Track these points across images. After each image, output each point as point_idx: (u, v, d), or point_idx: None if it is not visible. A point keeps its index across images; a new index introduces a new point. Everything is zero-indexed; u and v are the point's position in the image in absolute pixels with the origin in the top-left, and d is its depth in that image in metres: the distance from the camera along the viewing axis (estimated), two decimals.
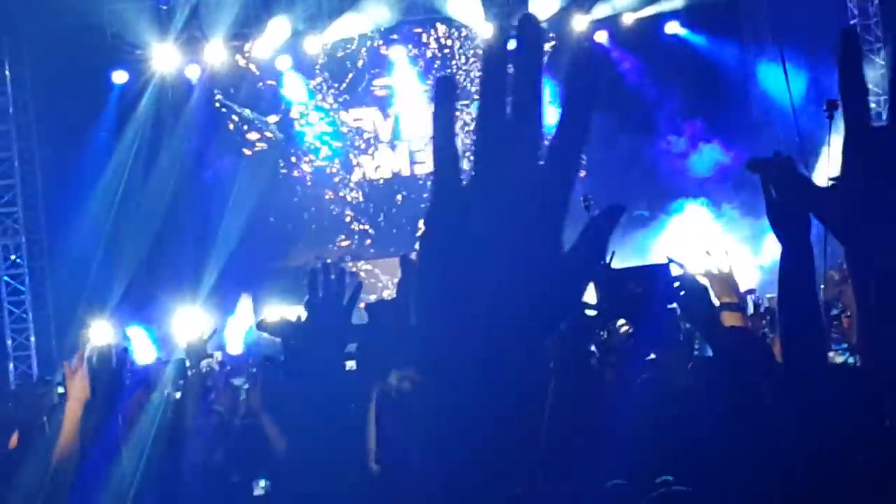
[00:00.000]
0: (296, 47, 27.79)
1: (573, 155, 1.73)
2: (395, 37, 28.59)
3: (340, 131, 28.91)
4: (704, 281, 6.75)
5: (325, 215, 28.67)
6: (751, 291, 13.15)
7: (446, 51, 28.95)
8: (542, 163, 1.72)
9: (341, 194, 28.83)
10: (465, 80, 28.70)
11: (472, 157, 1.76)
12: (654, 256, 24.66)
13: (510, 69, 1.76)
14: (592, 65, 1.77)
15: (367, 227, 28.76)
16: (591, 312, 8.73)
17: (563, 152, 1.74)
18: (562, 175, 1.73)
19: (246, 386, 13.44)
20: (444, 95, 1.82)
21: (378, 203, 28.78)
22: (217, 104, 28.30)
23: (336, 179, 28.85)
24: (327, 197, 28.76)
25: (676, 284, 6.81)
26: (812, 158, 22.71)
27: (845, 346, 10.21)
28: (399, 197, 28.74)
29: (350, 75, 28.73)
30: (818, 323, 4.26)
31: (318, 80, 28.62)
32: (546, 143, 1.75)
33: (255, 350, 23.95)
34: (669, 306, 8.38)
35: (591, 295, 9.15)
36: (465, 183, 1.73)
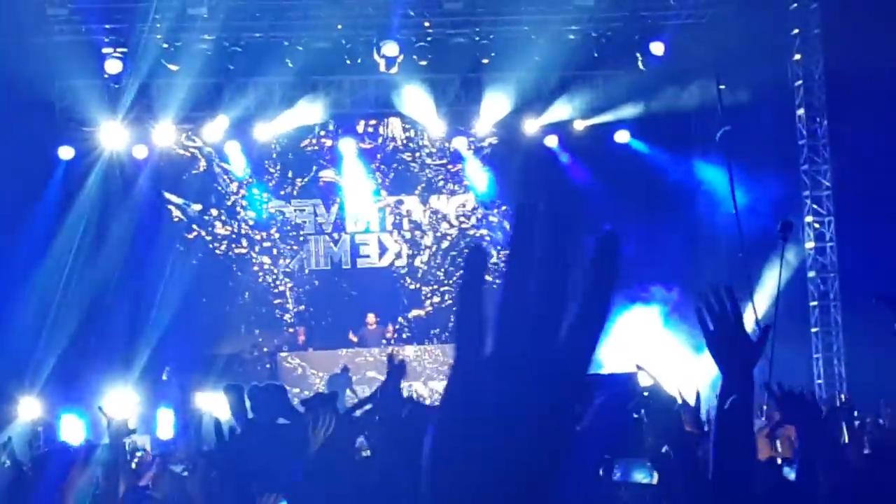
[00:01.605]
0: (245, 134, 27.74)
1: (594, 337, 1.74)
2: (343, 129, 28.66)
3: (282, 219, 28.81)
4: (674, 393, 6.67)
5: (262, 304, 28.50)
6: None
7: (396, 144, 29.07)
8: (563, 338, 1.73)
9: (278, 282, 28.66)
10: (409, 174, 28.90)
11: (495, 326, 1.75)
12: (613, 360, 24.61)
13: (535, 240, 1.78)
14: (616, 252, 1.81)
15: (302, 318, 28.57)
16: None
17: (583, 334, 1.74)
18: (582, 356, 1.73)
19: (185, 473, 13.19)
20: (476, 265, 1.79)
21: (316, 294, 28.62)
22: (162, 190, 28.19)
23: (274, 268, 28.71)
24: (263, 284, 28.60)
25: (646, 395, 6.73)
26: (755, 276, 22.84)
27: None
28: (338, 289, 28.70)
29: (296, 165, 28.74)
30: (751, 452, 4.47)
31: (264, 167, 28.57)
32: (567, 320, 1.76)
33: (186, 435, 23.60)
34: (635, 416, 8.28)
35: None
36: (486, 353, 1.72)
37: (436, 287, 29.02)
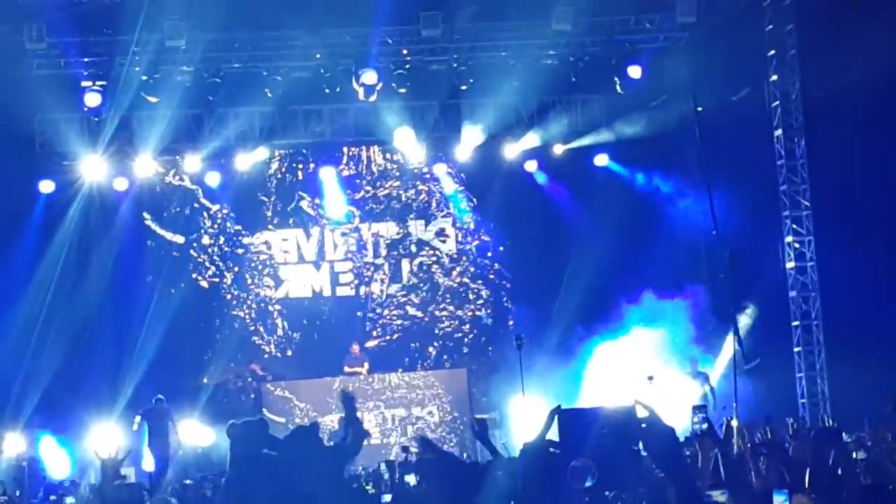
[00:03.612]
0: (225, 164, 27.78)
1: None
2: (323, 158, 28.70)
3: (264, 249, 28.79)
4: (672, 423, 6.76)
5: (245, 334, 28.44)
6: (701, 409, 13.04)
7: (376, 172, 29.11)
8: None
9: (260, 312, 28.61)
10: (391, 200, 28.93)
11: None
12: (589, 384, 24.82)
13: None
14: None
15: (285, 346, 28.57)
16: (554, 451, 8.71)
17: None
18: None
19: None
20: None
21: (298, 322, 28.60)
22: (144, 219, 28.15)
23: (257, 297, 28.66)
24: (245, 314, 28.53)
25: (644, 426, 6.81)
26: (738, 296, 22.98)
27: None
28: (319, 317, 28.72)
29: (277, 194, 28.76)
30: None
31: (245, 197, 28.56)
32: None
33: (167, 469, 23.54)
34: (634, 448, 8.37)
35: (554, 432, 9.10)
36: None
37: (416, 313, 29.03)
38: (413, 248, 29.26)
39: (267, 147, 27.80)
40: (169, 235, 28.43)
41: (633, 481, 8.72)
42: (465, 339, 29.01)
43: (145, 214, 28.27)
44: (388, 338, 28.85)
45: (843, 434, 15.41)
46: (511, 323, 28.58)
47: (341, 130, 28.03)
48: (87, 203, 27.20)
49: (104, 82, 25.90)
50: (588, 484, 8.47)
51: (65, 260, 26.62)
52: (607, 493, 8.66)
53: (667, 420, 6.66)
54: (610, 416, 8.98)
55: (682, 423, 14.70)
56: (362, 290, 29.05)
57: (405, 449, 21.19)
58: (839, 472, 9.54)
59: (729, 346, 24.45)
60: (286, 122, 27.46)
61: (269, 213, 28.85)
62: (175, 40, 24.95)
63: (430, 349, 28.87)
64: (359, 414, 10.55)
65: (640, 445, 7.88)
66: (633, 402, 6.92)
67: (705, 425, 12.32)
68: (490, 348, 28.43)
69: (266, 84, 26.56)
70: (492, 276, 29.23)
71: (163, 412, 24.00)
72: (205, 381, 27.25)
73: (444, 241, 29.36)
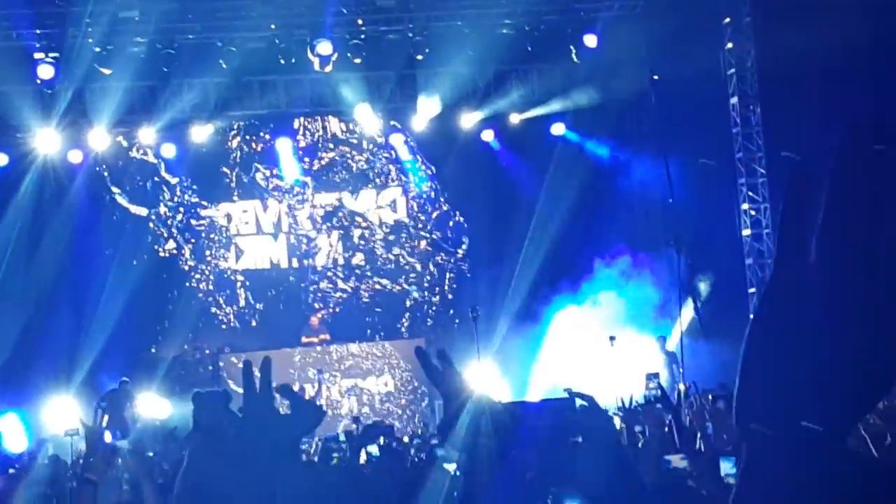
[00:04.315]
0: (181, 136, 27.62)
1: None
2: (279, 129, 28.60)
3: (221, 220, 28.69)
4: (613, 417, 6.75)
5: (203, 305, 28.36)
6: (654, 376, 13.08)
7: (333, 142, 29.04)
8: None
9: (219, 283, 28.52)
10: (346, 171, 28.86)
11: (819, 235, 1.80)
12: (547, 351, 24.91)
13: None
14: None
15: (248, 317, 28.51)
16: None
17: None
18: None
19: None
20: (799, 180, 1.85)
21: (260, 293, 28.55)
22: (112, 193, 28.00)
23: (214, 269, 28.58)
24: (204, 285, 28.46)
25: (582, 418, 6.77)
26: (694, 268, 23.08)
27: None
28: (278, 288, 28.66)
29: (233, 165, 28.65)
30: None
31: (201, 169, 28.41)
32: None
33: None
34: (572, 440, 8.36)
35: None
36: (810, 260, 1.77)
37: (373, 283, 29.01)
38: (369, 218, 29.22)
39: (223, 119, 27.66)
40: (133, 208, 28.30)
41: (570, 474, 8.70)
42: (430, 311, 29.02)
43: (114, 188, 28.15)
44: (333, 310, 28.77)
45: None
46: (459, 293, 28.67)
47: (297, 101, 27.91)
48: (42, 176, 27.00)
49: (57, 54, 25.69)
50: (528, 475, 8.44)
51: (19, 233, 26.44)
52: (545, 486, 8.64)
53: (605, 406, 6.68)
54: (544, 409, 9.00)
55: (638, 388, 14.82)
56: (319, 259, 29.00)
57: (356, 419, 21.22)
58: None
59: (685, 316, 24.66)
60: (241, 94, 27.29)
61: (233, 185, 28.74)
62: (128, 11, 24.85)
63: (393, 320, 28.86)
64: (301, 388, 10.52)
65: (578, 438, 7.89)
66: (569, 394, 6.90)
67: (658, 392, 12.37)
68: (457, 321, 28.42)
69: (221, 55, 26.39)
70: (451, 245, 29.23)
71: (125, 394, 23.97)
72: (152, 350, 27.18)
73: (400, 211, 29.33)
